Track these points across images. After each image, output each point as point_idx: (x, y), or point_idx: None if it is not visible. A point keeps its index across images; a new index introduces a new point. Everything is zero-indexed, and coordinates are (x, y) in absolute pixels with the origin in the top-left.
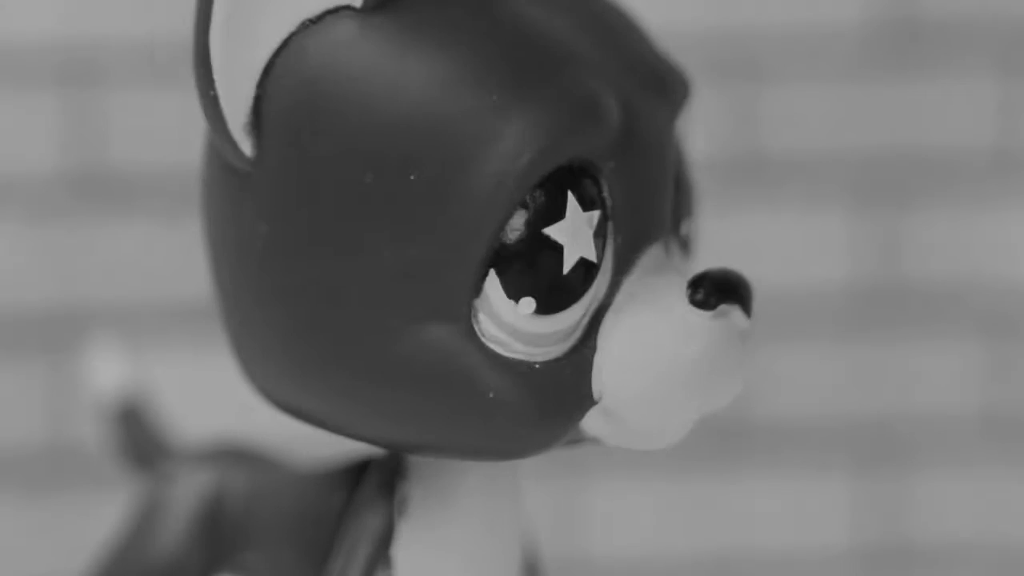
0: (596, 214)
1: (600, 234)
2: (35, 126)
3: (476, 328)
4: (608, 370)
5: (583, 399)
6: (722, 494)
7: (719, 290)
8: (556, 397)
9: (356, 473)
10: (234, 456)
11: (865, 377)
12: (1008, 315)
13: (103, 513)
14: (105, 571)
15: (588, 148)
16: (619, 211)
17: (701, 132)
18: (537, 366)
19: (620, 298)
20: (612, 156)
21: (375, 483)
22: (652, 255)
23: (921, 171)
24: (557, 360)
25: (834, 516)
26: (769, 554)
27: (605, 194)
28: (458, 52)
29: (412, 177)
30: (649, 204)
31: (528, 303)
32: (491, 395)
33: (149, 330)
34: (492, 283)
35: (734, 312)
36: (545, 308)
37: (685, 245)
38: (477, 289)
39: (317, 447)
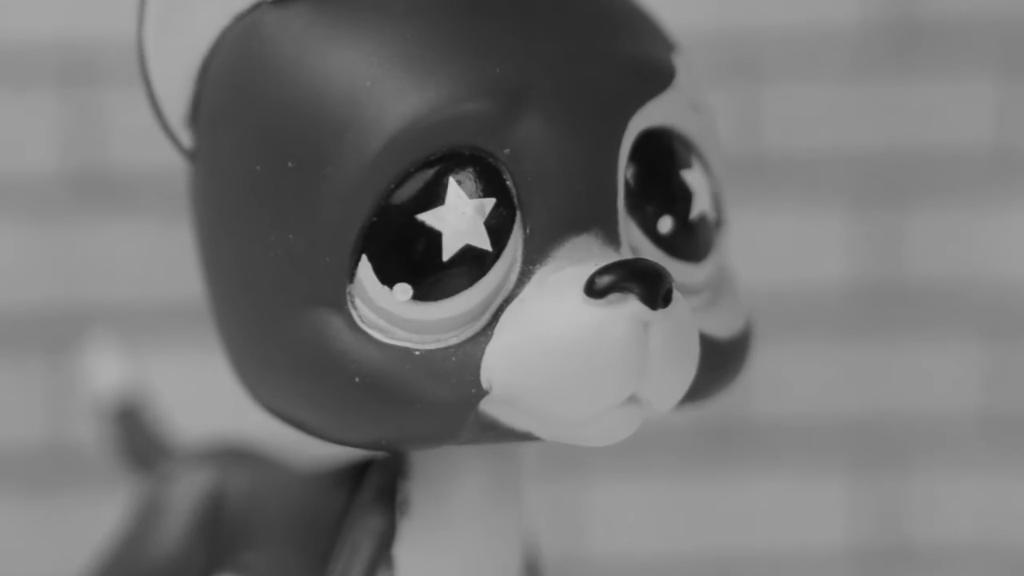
0: (490, 201)
1: (501, 222)
2: (35, 126)
3: (353, 314)
4: (495, 359)
5: (469, 388)
6: (721, 494)
7: (619, 279)
8: (435, 385)
9: (357, 473)
10: (234, 456)
11: (864, 377)
12: (1008, 315)
13: (103, 513)
14: (105, 571)
15: (470, 135)
16: (528, 200)
17: None
18: (417, 353)
19: (528, 288)
20: (509, 144)
21: (376, 483)
22: (578, 246)
23: (921, 171)
24: (444, 348)
25: (832, 516)
26: (768, 554)
27: (508, 182)
28: (347, 42)
29: (289, 164)
30: (569, 195)
31: (403, 289)
32: (357, 380)
33: (148, 330)
34: (365, 268)
35: (630, 301)
36: (424, 295)
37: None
38: (351, 274)
39: (317, 447)
